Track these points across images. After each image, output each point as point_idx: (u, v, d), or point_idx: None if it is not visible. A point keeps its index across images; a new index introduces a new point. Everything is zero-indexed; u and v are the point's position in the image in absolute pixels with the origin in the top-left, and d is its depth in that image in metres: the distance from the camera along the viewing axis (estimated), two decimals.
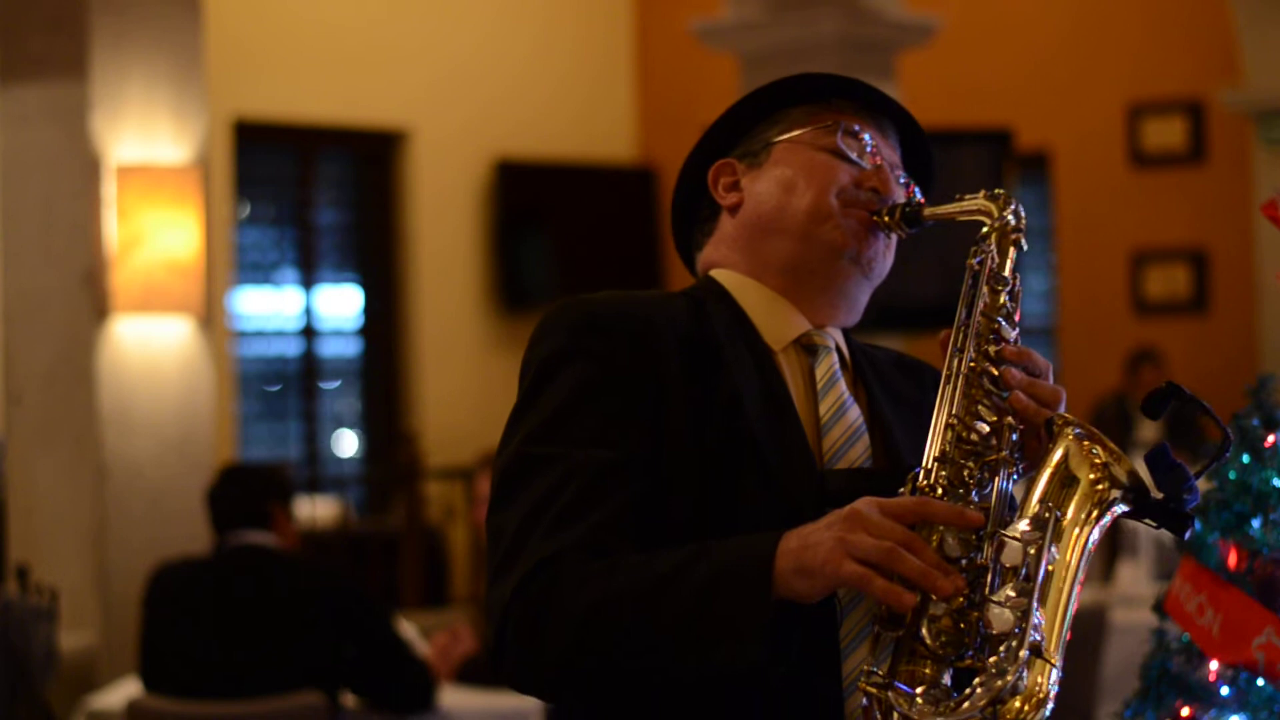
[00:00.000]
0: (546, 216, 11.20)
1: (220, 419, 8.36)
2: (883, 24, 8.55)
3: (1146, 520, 2.03)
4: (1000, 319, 2.11)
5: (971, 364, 2.09)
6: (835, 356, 2.22)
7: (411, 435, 9.35)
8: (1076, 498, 2.00)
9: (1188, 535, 2.03)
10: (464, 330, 10.96)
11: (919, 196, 2.25)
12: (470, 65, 11.03)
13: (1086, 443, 2.02)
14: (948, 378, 2.09)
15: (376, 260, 10.92)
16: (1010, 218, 2.17)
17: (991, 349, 2.10)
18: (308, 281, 10.72)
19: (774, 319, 2.21)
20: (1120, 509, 2.02)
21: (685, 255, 2.34)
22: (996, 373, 2.08)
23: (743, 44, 8.26)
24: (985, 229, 2.17)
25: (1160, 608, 3.05)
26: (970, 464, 2.03)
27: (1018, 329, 2.13)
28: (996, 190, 2.20)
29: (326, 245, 10.92)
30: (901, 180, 2.25)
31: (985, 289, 2.13)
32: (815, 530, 1.94)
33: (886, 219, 2.20)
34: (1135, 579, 6.80)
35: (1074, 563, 1.98)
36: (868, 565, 1.90)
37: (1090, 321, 11.02)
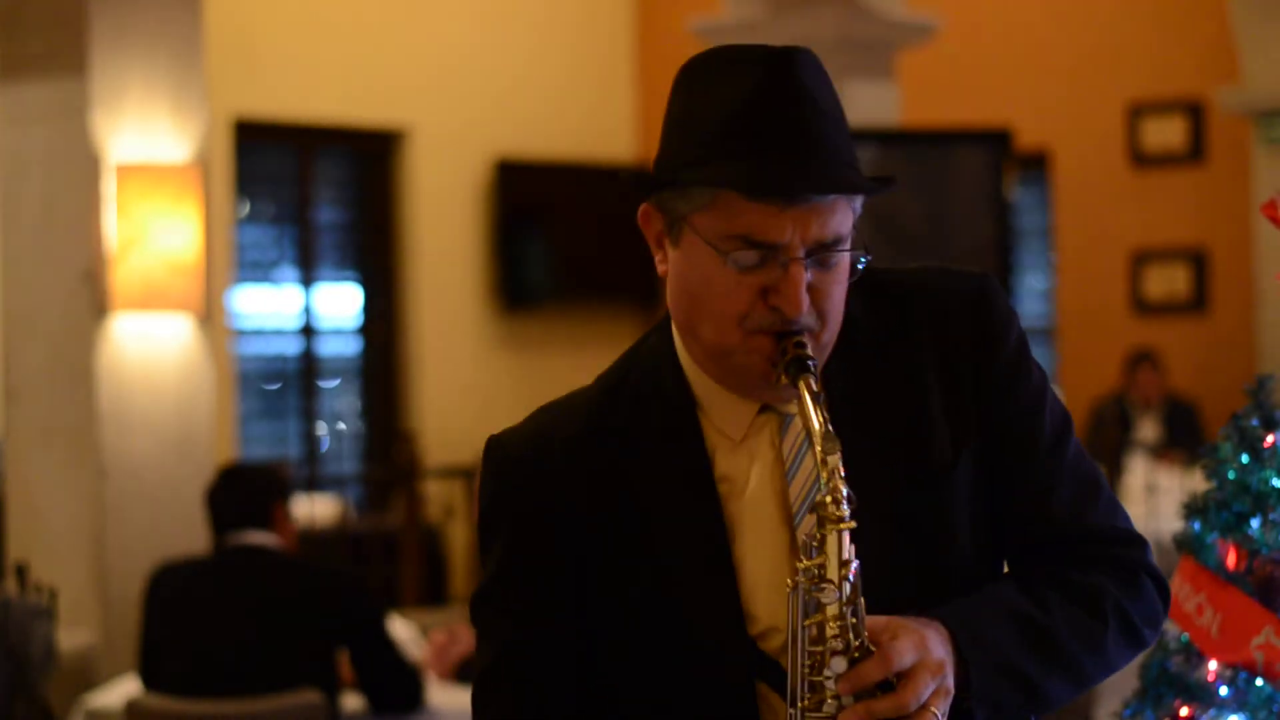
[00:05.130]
0: (546, 216, 11.20)
1: (219, 417, 8.36)
2: (883, 23, 8.55)
3: None
4: (836, 639, 1.95)
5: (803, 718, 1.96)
6: (799, 422, 2.05)
7: (411, 434, 9.36)
8: None
9: None
10: (463, 329, 10.96)
11: (863, 259, 2.05)
12: (470, 64, 11.03)
13: None
14: None
15: (376, 259, 10.92)
16: (835, 490, 1.95)
17: (829, 687, 1.96)
18: (307, 280, 10.71)
19: (724, 407, 2.10)
20: None
21: None
22: None
23: (743, 43, 8.24)
24: (814, 534, 1.97)
25: None
26: None
27: (859, 638, 1.95)
28: (830, 444, 1.97)
29: (326, 244, 10.91)
30: (843, 249, 2.03)
31: (812, 628, 1.96)
32: None
33: (776, 373, 2.01)
34: None
35: None
36: None
37: (1090, 321, 11.01)
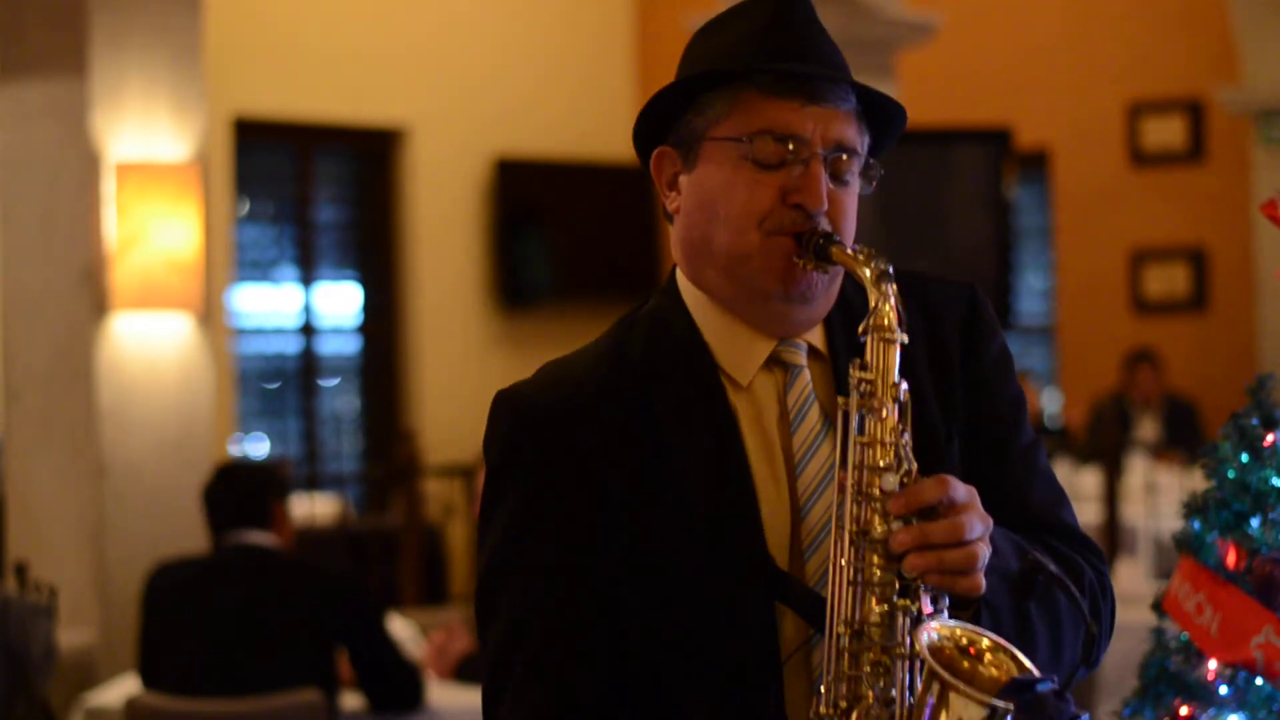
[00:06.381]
0: (546, 214, 11.20)
1: (219, 416, 8.37)
2: (883, 22, 8.54)
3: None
4: (886, 460, 1.98)
5: (853, 542, 1.96)
6: (807, 375, 2.12)
7: (410, 433, 9.35)
8: None
9: None
10: (463, 328, 10.96)
11: (871, 174, 2.11)
12: (469, 63, 11.03)
13: (950, 694, 1.90)
14: (834, 567, 1.97)
15: (376, 258, 10.92)
16: (888, 311, 2.01)
17: (878, 506, 1.97)
18: (307, 279, 10.72)
19: (734, 348, 2.12)
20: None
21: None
22: (886, 538, 1.96)
23: None
24: (860, 329, 2.02)
25: (1159, 606, 3.05)
26: (867, 662, 1.95)
27: (908, 462, 1.98)
28: (880, 265, 2.02)
29: (326, 243, 10.92)
30: (855, 166, 2.09)
31: (868, 426, 1.99)
32: None
33: (802, 261, 2.05)
34: (1134, 577, 6.80)
35: None
36: None
37: (1089, 320, 11.02)
